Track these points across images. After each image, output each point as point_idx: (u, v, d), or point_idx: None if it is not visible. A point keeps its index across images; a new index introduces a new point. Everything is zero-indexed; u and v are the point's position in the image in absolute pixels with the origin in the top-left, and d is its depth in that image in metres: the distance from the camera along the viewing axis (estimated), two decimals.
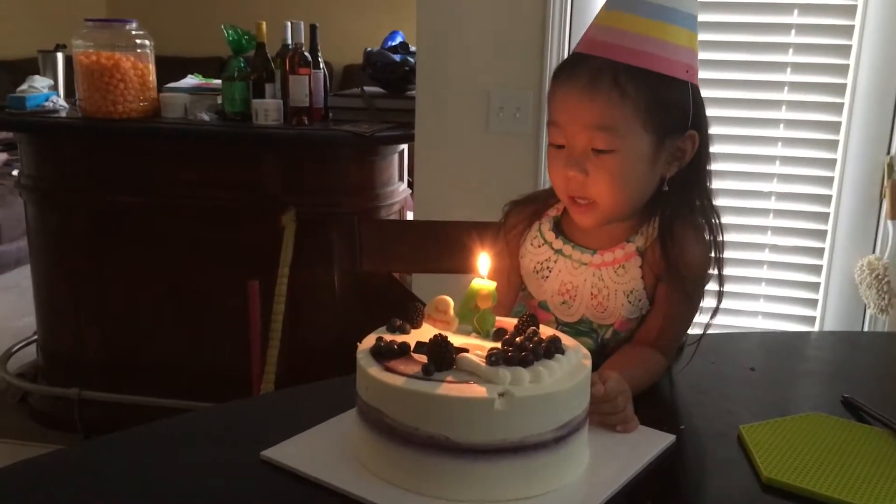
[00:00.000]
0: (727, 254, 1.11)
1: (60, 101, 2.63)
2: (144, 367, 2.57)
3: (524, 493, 0.78)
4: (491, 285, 0.87)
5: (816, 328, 2.15)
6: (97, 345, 2.58)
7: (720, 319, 2.16)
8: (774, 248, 2.14)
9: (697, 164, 1.10)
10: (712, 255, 1.10)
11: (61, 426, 2.60)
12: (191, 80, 2.77)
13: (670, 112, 1.04)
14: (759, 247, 2.15)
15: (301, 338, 2.43)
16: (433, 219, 2.08)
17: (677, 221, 1.09)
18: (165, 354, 2.56)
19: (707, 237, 1.10)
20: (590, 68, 1.02)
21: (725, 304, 2.07)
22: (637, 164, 1.05)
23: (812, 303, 2.16)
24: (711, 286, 1.11)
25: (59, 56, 2.84)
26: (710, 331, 1.14)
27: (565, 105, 1.05)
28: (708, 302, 1.12)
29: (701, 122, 1.08)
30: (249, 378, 2.39)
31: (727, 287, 1.10)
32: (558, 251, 1.14)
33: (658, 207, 1.10)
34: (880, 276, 2.00)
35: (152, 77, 2.49)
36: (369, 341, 0.85)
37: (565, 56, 1.80)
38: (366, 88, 2.58)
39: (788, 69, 2.06)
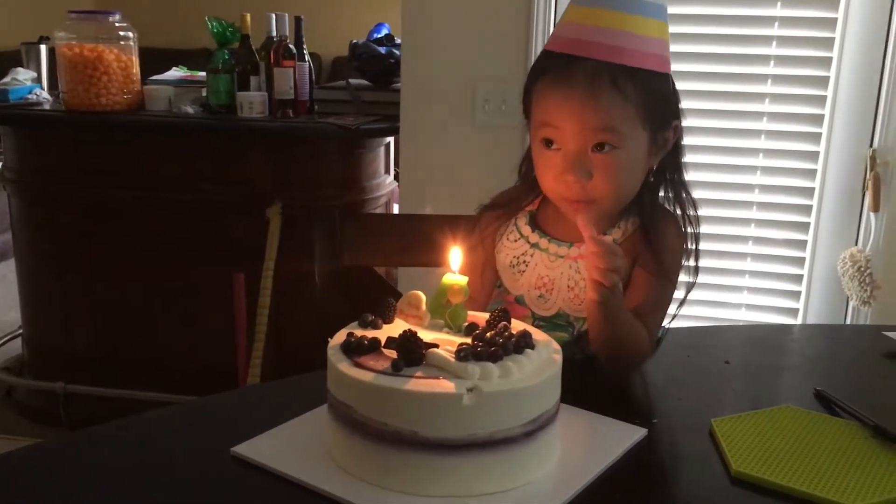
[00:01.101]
0: (711, 246, 1.12)
1: (44, 93, 2.61)
2: (130, 360, 2.56)
3: (494, 487, 0.78)
4: (462, 280, 0.87)
5: (799, 320, 2.15)
6: (82, 338, 2.57)
7: (703, 311, 2.17)
8: (758, 240, 2.14)
9: (675, 151, 1.12)
10: (688, 245, 1.12)
11: (47, 420, 2.60)
12: (175, 73, 2.76)
13: (661, 106, 1.06)
14: (743, 239, 2.14)
15: (287, 331, 2.42)
16: (419, 212, 2.08)
17: (658, 208, 1.12)
18: (151, 348, 2.55)
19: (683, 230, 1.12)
20: (585, 71, 1.01)
21: (708, 296, 2.12)
22: (636, 161, 1.06)
23: (795, 295, 2.16)
24: (684, 278, 1.12)
25: (43, 48, 2.82)
26: (689, 323, 1.15)
27: (564, 109, 1.02)
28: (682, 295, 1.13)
29: (679, 111, 1.10)
30: (236, 371, 2.39)
31: (710, 279, 1.11)
32: (535, 245, 1.14)
33: (636, 199, 1.11)
34: (863, 269, 2.01)
35: (136, 69, 2.48)
36: (340, 337, 0.85)
37: None
38: (351, 81, 2.57)
39: (772, 61, 2.06)
